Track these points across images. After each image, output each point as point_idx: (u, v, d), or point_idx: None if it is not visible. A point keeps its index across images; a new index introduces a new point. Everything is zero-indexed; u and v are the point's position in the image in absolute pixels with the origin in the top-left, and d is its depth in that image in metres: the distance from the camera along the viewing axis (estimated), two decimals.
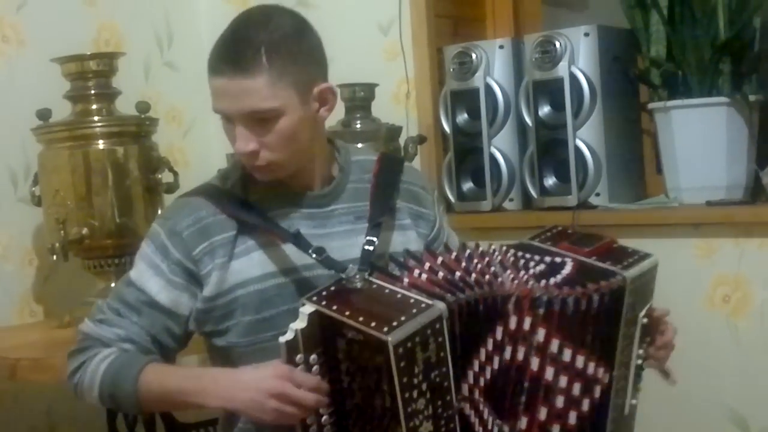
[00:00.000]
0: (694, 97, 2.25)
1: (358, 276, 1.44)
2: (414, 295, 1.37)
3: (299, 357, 1.38)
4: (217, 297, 1.52)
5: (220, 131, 3.01)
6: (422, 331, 1.34)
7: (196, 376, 1.51)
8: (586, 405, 1.50)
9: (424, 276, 1.43)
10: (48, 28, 2.48)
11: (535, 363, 1.46)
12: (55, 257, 2.10)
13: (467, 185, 2.51)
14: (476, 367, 1.43)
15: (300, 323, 1.37)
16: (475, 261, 1.48)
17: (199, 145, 2.83)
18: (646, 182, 2.50)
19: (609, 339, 1.51)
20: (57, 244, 2.09)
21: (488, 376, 1.44)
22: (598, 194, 2.34)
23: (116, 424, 2.32)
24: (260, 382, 1.40)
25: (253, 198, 1.56)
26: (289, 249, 1.54)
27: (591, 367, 1.49)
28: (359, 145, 2.21)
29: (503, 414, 1.46)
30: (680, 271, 2.23)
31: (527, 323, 1.44)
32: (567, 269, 1.51)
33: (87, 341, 1.55)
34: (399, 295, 1.39)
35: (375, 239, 1.54)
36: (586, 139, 2.33)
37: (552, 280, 1.48)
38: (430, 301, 1.36)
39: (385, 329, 1.30)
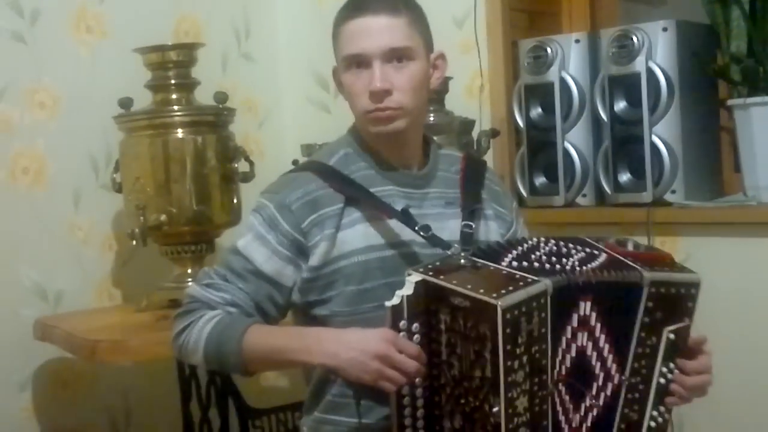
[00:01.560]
0: None
1: (462, 254, 1.51)
2: (518, 272, 1.43)
3: (403, 323, 1.44)
4: (323, 267, 1.60)
5: (294, 122, 3.08)
6: (529, 302, 1.38)
7: (300, 334, 1.59)
8: (602, 399, 1.51)
9: (515, 262, 1.49)
10: (130, 19, 2.54)
11: (589, 348, 1.49)
12: (134, 242, 2.15)
13: (540, 180, 2.50)
14: (560, 355, 1.47)
15: (407, 290, 1.43)
16: (544, 252, 1.52)
17: (274, 136, 2.87)
18: (723, 180, 2.46)
19: (624, 336, 1.50)
20: (136, 230, 2.14)
21: (569, 363, 1.48)
22: (673, 191, 2.31)
23: (190, 406, 2.37)
24: (366, 343, 1.47)
25: (358, 175, 1.65)
26: (393, 224, 1.63)
27: (610, 359, 1.51)
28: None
29: (577, 401, 1.49)
30: (757, 270, 2.20)
31: (587, 308, 1.48)
32: (599, 260, 1.53)
33: (193, 303, 1.63)
34: (504, 272, 1.45)
35: (472, 224, 1.64)
36: (663, 135, 2.30)
37: (590, 266, 1.51)
38: (537, 278, 1.41)
39: (494, 295, 1.35)
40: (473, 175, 1.74)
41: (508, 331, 1.36)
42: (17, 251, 2.37)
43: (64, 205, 2.45)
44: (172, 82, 2.25)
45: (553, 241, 1.57)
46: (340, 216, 1.62)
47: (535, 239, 1.58)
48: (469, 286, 1.39)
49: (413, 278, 1.44)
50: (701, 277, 1.56)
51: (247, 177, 2.29)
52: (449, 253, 1.55)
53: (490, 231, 1.72)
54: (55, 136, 2.43)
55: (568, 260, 1.51)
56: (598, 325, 1.49)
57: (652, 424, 1.54)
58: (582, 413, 1.50)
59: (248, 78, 2.83)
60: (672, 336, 1.52)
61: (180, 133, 2.21)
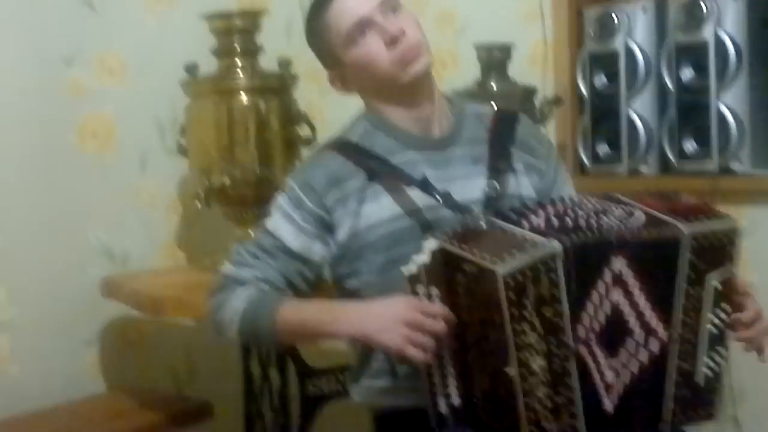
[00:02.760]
0: None
1: (483, 218, 1.53)
2: (532, 235, 1.44)
3: (421, 289, 1.47)
4: (350, 240, 1.64)
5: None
6: (533, 265, 1.39)
7: (329, 308, 1.63)
8: (645, 356, 1.51)
9: (541, 222, 1.49)
10: None
11: (624, 304, 1.49)
12: (199, 204, 2.19)
13: (602, 148, 2.48)
14: (591, 311, 1.47)
15: (423, 257, 1.46)
16: (579, 209, 1.53)
17: (336, 104, 2.84)
18: None
19: (666, 293, 1.50)
20: (201, 192, 2.19)
21: (602, 320, 1.48)
22: (740, 161, 2.27)
23: (251, 366, 2.42)
24: (392, 311, 1.50)
25: (378, 147, 1.68)
26: (415, 192, 1.64)
27: (652, 317, 1.50)
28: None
29: (611, 357, 1.49)
30: None
31: (620, 264, 1.47)
32: (636, 218, 1.52)
33: (225, 281, 1.69)
34: (518, 235, 1.45)
35: (496, 183, 1.66)
36: (730, 104, 2.26)
37: (627, 225, 1.50)
38: (545, 240, 1.42)
39: (497, 260, 1.37)
40: (503, 131, 1.74)
41: (511, 295, 1.38)
42: (86, 213, 2.44)
43: (131, 169, 2.51)
44: (237, 48, 2.29)
45: (586, 201, 1.56)
46: (363, 190, 1.65)
47: (576, 199, 1.58)
48: (476, 252, 1.41)
49: (430, 245, 1.47)
50: (738, 222, 1.55)
51: (309, 141, 2.32)
52: (470, 217, 1.56)
53: (521, 186, 1.71)
54: (123, 101, 2.49)
55: (602, 219, 1.51)
56: (636, 283, 1.49)
57: (708, 372, 1.55)
58: (619, 368, 1.50)
59: None
60: (718, 285, 1.52)
61: (244, 98, 2.25)
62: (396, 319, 1.49)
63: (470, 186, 1.65)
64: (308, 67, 2.81)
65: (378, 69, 1.66)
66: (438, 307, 1.48)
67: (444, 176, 1.65)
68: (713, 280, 1.52)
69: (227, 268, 1.70)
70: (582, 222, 1.49)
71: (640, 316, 1.50)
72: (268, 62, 2.37)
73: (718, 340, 1.55)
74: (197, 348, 2.59)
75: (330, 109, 2.85)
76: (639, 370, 1.51)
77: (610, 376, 1.49)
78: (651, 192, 1.64)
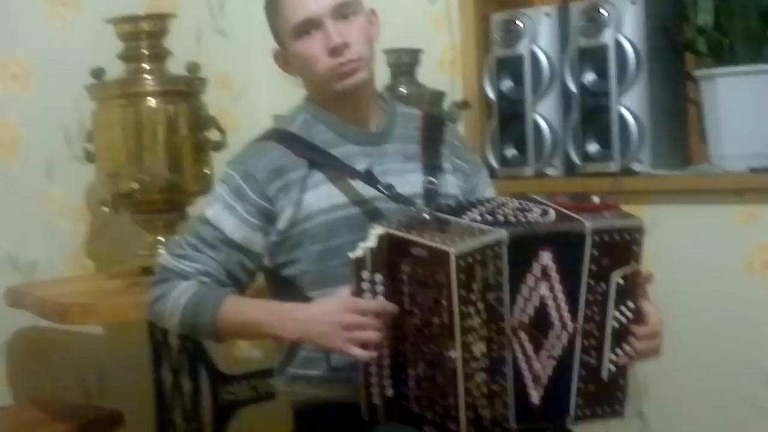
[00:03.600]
0: (741, 64, 2.23)
1: (426, 209, 1.57)
2: (478, 225, 1.49)
3: (366, 274, 1.49)
4: (290, 228, 1.66)
5: (269, 98, 3.09)
6: (483, 249, 1.44)
7: (271, 309, 1.64)
8: (559, 348, 1.55)
9: (477, 216, 1.54)
10: None
11: (548, 298, 1.53)
12: (106, 209, 2.17)
13: (510, 151, 2.53)
14: (521, 303, 1.51)
15: (370, 242, 1.48)
16: (507, 208, 1.57)
17: (248, 111, 2.88)
18: (690, 151, 2.49)
19: (575, 287, 1.54)
20: (108, 198, 2.16)
21: (531, 311, 1.52)
22: (640, 161, 2.34)
23: (162, 372, 2.39)
24: (330, 316, 1.52)
25: (318, 139, 1.71)
26: (357, 183, 1.68)
27: (565, 309, 1.54)
28: None
29: (539, 349, 1.53)
30: (721, 237, 2.24)
31: (549, 258, 1.52)
32: (551, 215, 1.57)
33: (166, 273, 1.69)
34: (464, 225, 1.50)
35: (435, 180, 1.71)
36: (630, 106, 2.33)
37: (545, 220, 1.55)
38: (492, 228, 1.47)
39: (448, 242, 1.41)
40: (432, 132, 1.80)
41: (462, 277, 1.41)
42: None
43: (37, 176, 2.46)
44: (144, 52, 2.27)
45: (512, 199, 1.62)
46: (305, 180, 1.67)
47: (499, 198, 1.63)
48: (427, 236, 1.44)
49: (377, 231, 1.49)
50: (642, 222, 1.59)
51: (219, 146, 2.32)
52: (413, 209, 1.60)
53: (448, 185, 1.77)
54: (28, 107, 2.44)
55: (528, 215, 1.56)
56: (557, 276, 1.53)
57: (611, 367, 1.58)
58: (544, 361, 1.54)
59: (223, 53, 2.84)
60: (621, 281, 1.56)
61: (152, 102, 2.23)
62: (336, 322, 1.51)
63: (404, 181, 1.69)
64: (219, 73, 2.84)
65: (314, 71, 1.69)
66: (377, 304, 1.50)
67: (379, 170, 1.68)
68: (617, 277, 1.55)
69: (166, 259, 1.70)
70: (512, 218, 1.54)
71: (558, 308, 1.54)
72: (177, 67, 2.36)
73: (622, 337, 1.58)
74: (107, 356, 2.55)
75: (241, 115, 2.87)
76: (557, 364, 1.54)
77: (537, 368, 1.53)
78: (564, 193, 1.70)
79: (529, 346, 1.52)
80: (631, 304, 1.58)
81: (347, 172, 1.67)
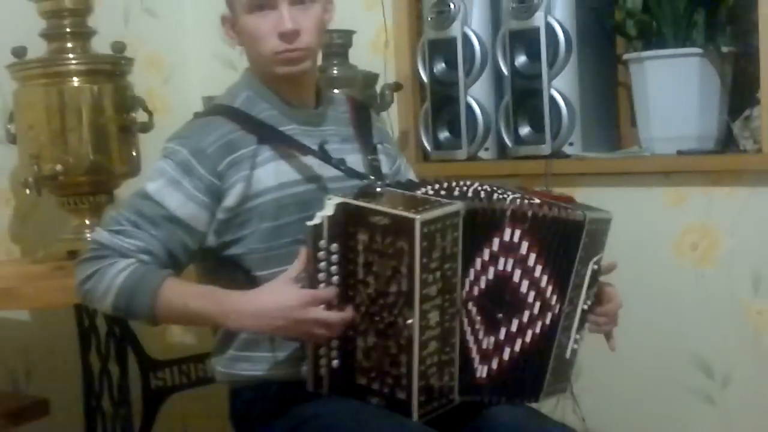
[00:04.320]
0: (669, 48, 2.26)
1: (378, 183, 1.58)
2: (433, 197, 1.51)
3: (322, 243, 1.48)
4: (238, 206, 1.61)
5: (200, 78, 3.04)
6: (443, 219, 1.45)
7: (216, 299, 1.56)
8: (538, 327, 1.57)
9: (431, 192, 1.55)
10: None
11: (517, 275, 1.54)
12: (28, 192, 2.11)
13: (443, 134, 2.53)
14: (472, 276, 1.52)
15: (328, 211, 1.47)
16: (463, 185, 1.59)
17: (179, 92, 2.83)
18: (621, 134, 2.52)
19: (566, 271, 1.57)
20: (30, 179, 2.11)
21: (483, 285, 1.53)
22: (571, 144, 2.35)
23: (90, 359, 2.35)
24: (286, 312, 1.48)
25: (261, 117, 1.67)
26: (307, 161, 1.66)
27: (549, 291, 1.57)
28: None
29: (490, 324, 1.54)
30: (650, 218, 2.26)
31: (517, 236, 1.53)
32: (536, 201, 1.59)
33: (103, 250, 1.58)
34: (419, 197, 1.52)
35: (378, 157, 1.72)
36: (561, 89, 2.34)
37: (527, 203, 1.57)
38: (450, 200, 1.48)
39: (412, 211, 1.42)
40: (362, 116, 1.80)
41: (425, 244, 1.42)
42: None
43: None
44: (67, 30, 2.21)
45: (481, 184, 1.62)
46: (254, 156, 1.63)
47: (464, 181, 1.61)
48: (388, 206, 1.46)
49: (334, 201, 1.48)
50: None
51: (146, 127, 2.27)
52: (367, 183, 1.60)
53: (382, 165, 1.77)
54: None
55: (501, 196, 1.57)
56: (532, 255, 1.54)
57: (574, 347, 1.64)
58: (502, 336, 1.55)
59: (152, 33, 2.79)
60: (595, 266, 1.61)
61: (75, 81, 2.17)
62: (292, 320, 1.48)
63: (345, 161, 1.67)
64: (149, 55, 2.79)
65: (259, 50, 1.65)
66: (330, 293, 1.48)
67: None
68: (593, 264, 1.60)
69: (102, 235, 1.59)
70: (470, 194, 1.55)
71: (536, 288, 1.55)
72: (103, 47, 2.30)
73: (585, 319, 1.64)
74: (35, 345, 2.50)
75: (172, 96, 2.82)
76: (531, 341, 1.56)
77: (487, 342, 1.54)
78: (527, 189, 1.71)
79: (478, 319, 1.53)
80: (595, 289, 1.64)
81: (299, 149, 1.65)
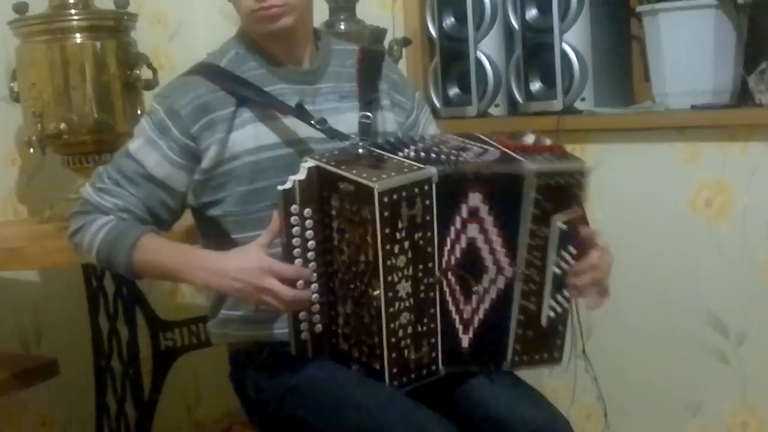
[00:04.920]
0: None
1: (360, 144, 1.54)
2: (409, 161, 1.45)
3: (294, 207, 1.45)
4: (214, 168, 1.61)
5: (206, 35, 3.00)
6: (410, 187, 1.40)
7: (185, 255, 1.58)
8: (494, 292, 1.52)
9: (411, 153, 1.50)
10: None
11: (480, 240, 1.49)
12: (32, 150, 2.09)
13: (453, 90, 2.49)
14: (448, 244, 1.48)
15: (300, 175, 1.45)
16: (443, 144, 1.54)
17: (185, 49, 2.79)
18: (634, 89, 2.47)
19: (514, 230, 1.50)
20: (33, 138, 2.08)
21: (458, 254, 1.49)
22: (583, 99, 2.31)
23: (99, 320, 2.34)
24: (245, 274, 1.48)
25: (248, 75, 1.64)
26: (288, 122, 1.62)
27: (502, 253, 1.51)
28: None
29: (468, 293, 1.50)
30: (664, 175, 2.23)
31: (477, 199, 1.48)
32: (491, 155, 1.52)
33: (87, 206, 1.65)
34: (395, 161, 1.46)
35: (370, 114, 1.66)
36: (573, 43, 2.29)
37: (482, 159, 1.51)
38: (423, 166, 1.42)
39: (374, 179, 1.37)
40: (369, 67, 1.74)
41: (386, 214, 1.38)
42: None
43: None
44: None
45: (455, 138, 1.58)
46: (232, 118, 1.61)
47: (441, 136, 1.60)
48: (355, 172, 1.41)
49: (307, 164, 1.45)
50: (587, 165, 1.54)
51: (150, 85, 2.23)
52: (347, 143, 1.56)
53: (386, 122, 1.73)
54: None
55: (463, 153, 1.51)
56: (490, 218, 1.49)
57: (551, 313, 1.55)
58: (474, 305, 1.51)
59: None
60: (563, 226, 1.51)
61: (78, 37, 2.13)
62: (248, 283, 1.48)
63: (339, 121, 1.64)
64: (154, 11, 2.75)
65: (239, 10, 1.63)
66: (292, 270, 1.47)
67: (312, 110, 1.63)
68: (558, 222, 1.51)
69: (87, 192, 1.65)
70: (443, 157, 1.49)
71: (492, 252, 1.51)
72: (105, 2, 2.26)
73: (563, 283, 1.54)
74: (44, 305, 2.49)
75: (177, 53, 2.78)
76: (490, 307, 1.51)
77: (467, 311, 1.50)
78: (512, 133, 1.64)
79: (457, 289, 1.49)
80: (573, 250, 1.53)
81: (276, 107, 1.61)
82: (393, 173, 1.40)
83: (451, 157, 1.49)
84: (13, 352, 2.42)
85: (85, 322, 2.37)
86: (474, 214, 1.48)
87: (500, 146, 1.55)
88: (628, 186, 2.27)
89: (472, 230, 1.49)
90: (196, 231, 1.74)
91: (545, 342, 1.57)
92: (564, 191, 1.51)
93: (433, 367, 1.50)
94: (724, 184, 2.16)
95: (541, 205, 1.49)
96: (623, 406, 2.27)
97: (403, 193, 1.39)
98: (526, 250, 1.51)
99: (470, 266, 1.49)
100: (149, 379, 2.29)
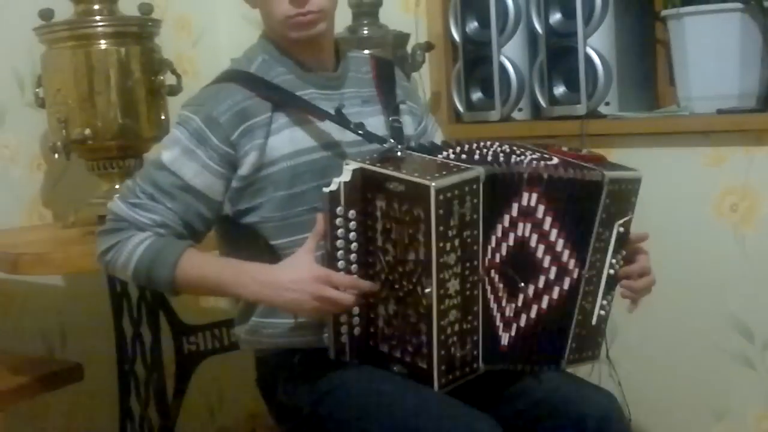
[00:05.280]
0: (709, 3, 2.18)
1: (398, 147, 1.54)
2: (453, 162, 1.46)
3: (340, 209, 1.46)
4: (253, 174, 1.59)
5: (230, 40, 3.02)
6: (462, 185, 1.41)
7: (234, 269, 1.56)
8: (556, 293, 1.53)
9: (452, 155, 1.51)
10: None
11: (533, 240, 1.50)
12: (56, 156, 2.10)
13: (476, 95, 2.48)
14: (494, 243, 1.49)
15: (344, 177, 1.45)
16: (483, 148, 1.55)
17: (209, 55, 2.80)
18: (658, 93, 2.45)
19: (584, 233, 1.53)
20: (59, 143, 2.10)
21: (504, 252, 1.50)
22: (608, 103, 2.30)
23: (122, 324, 2.35)
24: (300, 285, 1.48)
25: (277, 81, 1.64)
26: (323, 126, 1.62)
27: (566, 255, 1.52)
28: None
29: (512, 291, 1.51)
30: (689, 180, 2.21)
31: (534, 200, 1.49)
32: (554, 161, 1.55)
33: (121, 223, 1.60)
34: (439, 162, 1.47)
35: (399, 119, 1.67)
36: (597, 47, 2.28)
37: (543, 164, 1.52)
38: (469, 165, 1.44)
39: (428, 177, 1.38)
40: (385, 74, 1.76)
41: (440, 212, 1.39)
42: None
43: None
44: None
45: (501, 144, 1.58)
46: (269, 123, 1.60)
47: (484, 142, 1.58)
48: (405, 172, 1.42)
49: (351, 166, 1.46)
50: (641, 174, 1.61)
51: (174, 90, 2.25)
52: (386, 146, 1.57)
53: (406, 126, 1.73)
54: None
55: (511, 158, 1.53)
56: (548, 219, 1.50)
57: (601, 312, 1.59)
58: (519, 303, 1.52)
59: None
60: (621, 229, 1.56)
61: (103, 44, 2.15)
62: (305, 293, 1.47)
63: (365, 124, 1.63)
64: (178, 17, 2.76)
65: (272, 14, 1.62)
66: (349, 279, 1.47)
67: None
68: (619, 226, 1.55)
69: (119, 207, 1.60)
70: (490, 158, 1.51)
71: (552, 253, 1.51)
72: (132, 9, 2.28)
73: (612, 284, 1.59)
74: (69, 309, 2.51)
75: (201, 59, 2.79)
76: (548, 307, 1.52)
77: (509, 310, 1.51)
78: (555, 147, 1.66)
79: (501, 287, 1.50)
80: (624, 253, 1.59)
81: (315, 113, 1.61)
82: (444, 172, 1.41)
83: (499, 159, 1.51)
84: (38, 356, 2.44)
85: (109, 326, 2.39)
86: (527, 213, 1.49)
87: (556, 154, 1.57)
88: (652, 191, 2.21)
89: (524, 229, 1.49)
90: (220, 241, 1.72)
91: (592, 341, 1.60)
92: (625, 197, 1.56)
93: (475, 365, 1.51)
94: (749, 189, 2.14)
95: (608, 209, 1.53)
96: (647, 410, 2.26)
97: (456, 192, 1.41)
98: (592, 252, 1.54)
99: (520, 264, 1.50)
100: (172, 383, 2.29)
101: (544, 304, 1.52)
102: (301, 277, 1.47)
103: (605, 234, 1.54)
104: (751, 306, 2.17)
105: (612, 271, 1.58)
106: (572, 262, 1.52)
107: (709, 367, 2.24)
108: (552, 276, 1.52)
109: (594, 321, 1.58)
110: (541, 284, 1.52)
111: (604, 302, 1.59)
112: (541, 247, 1.51)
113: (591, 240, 1.52)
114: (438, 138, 1.81)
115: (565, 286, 1.53)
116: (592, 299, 1.57)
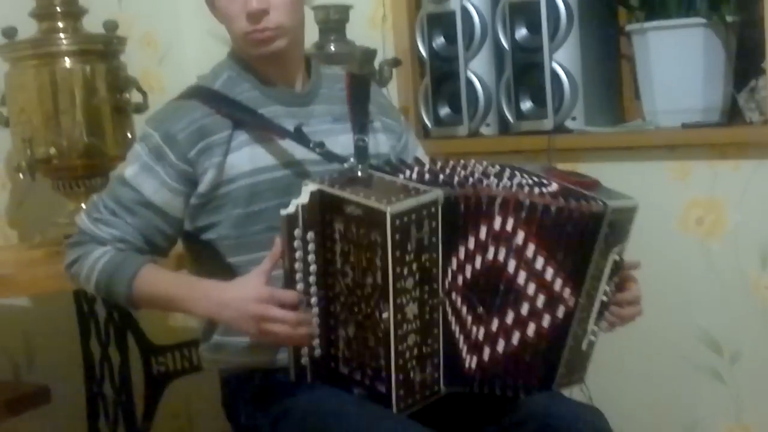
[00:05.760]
0: (672, 18, 2.20)
1: (360, 167, 1.53)
2: (413, 184, 1.45)
3: (297, 231, 1.44)
4: (211, 192, 1.59)
5: (196, 58, 2.99)
6: (419, 209, 1.40)
7: (188, 287, 1.58)
8: (546, 321, 1.50)
9: (415, 176, 1.50)
10: None
11: (511, 266, 1.47)
12: (21, 175, 2.08)
13: (444, 110, 2.49)
14: (454, 266, 1.46)
15: (302, 199, 1.43)
16: (459, 168, 1.53)
17: (175, 71, 2.78)
18: (624, 107, 2.47)
19: (581, 263, 1.50)
20: (23, 163, 2.08)
21: (468, 275, 1.47)
22: (574, 118, 2.31)
23: (90, 345, 2.32)
24: (244, 304, 1.47)
25: (242, 98, 1.63)
26: (284, 144, 1.61)
27: (558, 284, 1.49)
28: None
29: (478, 314, 1.49)
30: (654, 193, 2.21)
31: (510, 225, 1.46)
32: (552, 187, 1.52)
33: (84, 236, 1.63)
34: (398, 183, 1.46)
35: (365, 137, 1.65)
36: (563, 62, 2.29)
37: (536, 191, 1.49)
38: (428, 188, 1.42)
39: (385, 201, 1.36)
40: (359, 91, 1.75)
41: (397, 237, 1.37)
42: None
43: None
44: (58, 9, 2.17)
45: (492, 165, 1.56)
46: (228, 141, 1.60)
47: (474, 161, 1.56)
48: (362, 195, 1.40)
49: (309, 188, 1.44)
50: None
51: (141, 108, 2.23)
52: (346, 166, 1.56)
53: (379, 144, 1.73)
54: None
55: (492, 180, 1.50)
56: (530, 246, 1.46)
57: (592, 338, 1.58)
58: (493, 328, 1.49)
59: (146, 11, 2.74)
60: (617, 257, 1.55)
61: (67, 62, 2.14)
62: (248, 314, 1.47)
63: (334, 143, 1.63)
64: (144, 34, 2.75)
65: (232, 32, 1.63)
66: (293, 296, 1.46)
67: (307, 131, 1.62)
68: (614, 254, 1.55)
69: (83, 222, 1.63)
70: (456, 179, 1.49)
71: (538, 280, 1.48)
72: (96, 26, 2.26)
73: (604, 310, 1.59)
74: (35, 331, 2.48)
75: (167, 76, 2.77)
76: (536, 334, 1.49)
77: (478, 333, 1.49)
78: (551, 167, 1.67)
79: (464, 309, 1.48)
80: (617, 280, 1.59)
81: (275, 131, 1.61)
82: (401, 195, 1.40)
83: (467, 181, 1.48)
84: (4, 380, 2.41)
85: (77, 347, 2.36)
86: (500, 238, 1.46)
87: (555, 179, 1.55)
88: None
89: (495, 253, 1.46)
90: (187, 256, 1.73)
91: (580, 365, 1.60)
92: (622, 227, 1.56)
93: (436, 387, 1.49)
94: (715, 203, 2.16)
95: (608, 239, 1.51)
96: (618, 425, 2.25)
97: (413, 216, 1.39)
98: (588, 282, 1.52)
99: (493, 289, 1.48)
100: (141, 405, 2.27)
101: (530, 331, 1.49)
102: (243, 296, 1.48)
103: (602, 263, 1.53)
104: (719, 319, 2.19)
105: (605, 299, 1.57)
106: (567, 292, 1.49)
107: (678, 380, 2.26)
108: (540, 304, 1.48)
109: (584, 347, 1.57)
110: (524, 311, 1.48)
111: (595, 328, 1.58)
112: (522, 274, 1.47)
113: (589, 269, 1.50)
114: (420, 153, 1.81)
115: (559, 314, 1.50)
116: (584, 326, 1.56)
